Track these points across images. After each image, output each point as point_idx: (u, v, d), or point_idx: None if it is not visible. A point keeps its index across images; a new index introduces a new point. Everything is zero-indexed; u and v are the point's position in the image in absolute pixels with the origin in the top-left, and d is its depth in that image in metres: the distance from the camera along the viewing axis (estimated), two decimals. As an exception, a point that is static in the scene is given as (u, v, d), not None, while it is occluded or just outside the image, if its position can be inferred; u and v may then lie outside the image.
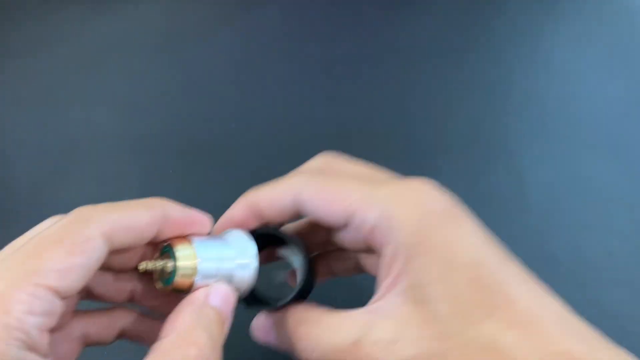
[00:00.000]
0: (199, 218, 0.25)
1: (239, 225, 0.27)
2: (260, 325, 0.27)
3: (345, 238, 0.26)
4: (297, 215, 0.26)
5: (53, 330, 0.22)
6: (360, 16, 0.57)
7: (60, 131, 0.49)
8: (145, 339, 0.27)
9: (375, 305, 0.23)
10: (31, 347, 0.20)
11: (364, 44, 0.54)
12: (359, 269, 0.30)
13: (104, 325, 0.26)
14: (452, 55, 0.53)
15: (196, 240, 0.24)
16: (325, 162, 0.28)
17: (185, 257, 0.24)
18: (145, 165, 0.47)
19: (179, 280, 0.23)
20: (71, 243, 0.21)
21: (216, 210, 0.43)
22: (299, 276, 0.27)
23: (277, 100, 0.51)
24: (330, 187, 0.25)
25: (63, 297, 0.21)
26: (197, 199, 0.47)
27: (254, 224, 0.27)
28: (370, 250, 0.25)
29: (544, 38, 0.54)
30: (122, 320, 0.27)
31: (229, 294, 0.24)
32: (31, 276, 0.20)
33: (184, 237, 0.25)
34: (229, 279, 0.25)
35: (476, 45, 0.54)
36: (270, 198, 0.26)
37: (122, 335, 0.27)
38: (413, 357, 0.21)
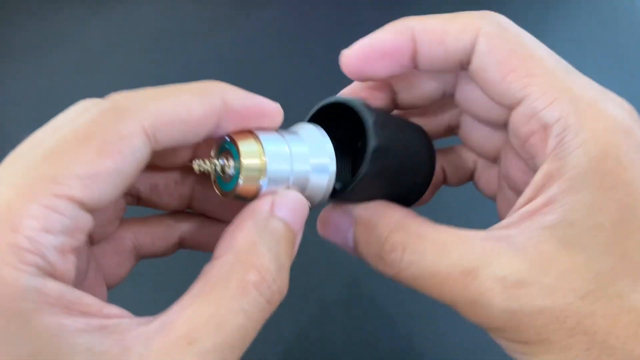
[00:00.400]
0: (268, 107, 0.20)
1: (371, 56, 0.21)
2: (332, 219, 0.22)
3: (484, 131, 0.22)
4: (459, 66, 0.21)
5: (95, 242, 0.19)
6: (360, 16, 0.57)
7: (60, 131, 0.49)
8: (208, 249, 0.22)
9: (504, 232, 0.19)
10: (50, 273, 0.15)
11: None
12: (467, 179, 0.26)
13: (159, 234, 0.23)
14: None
15: (263, 135, 0.19)
16: (502, 21, 0.21)
17: (250, 155, 0.19)
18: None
19: (243, 184, 0.19)
20: (102, 142, 0.16)
21: (216, 210, 0.43)
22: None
23: (277, 100, 0.51)
24: (515, 50, 0.19)
25: (91, 210, 0.16)
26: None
27: (392, 64, 0.21)
28: (498, 156, 0.21)
29: (544, 38, 0.54)
30: (180, 227, 0.23)
31: (300, 203, 0.19)
32: (48, 184, 0.15)
33: (248, 131, 0.20)
34: (302, 185, 0.20)
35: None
36: (443, 30, 0.20)
37: (181, 244, 0.23)
38: (541, 310, 0.17)
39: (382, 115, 0.21)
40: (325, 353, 0.37)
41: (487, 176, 0.25)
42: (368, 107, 0.20)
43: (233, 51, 0.55)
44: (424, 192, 0.24)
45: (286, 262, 0.19)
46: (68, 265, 0.16)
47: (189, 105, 0.18)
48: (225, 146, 0.20)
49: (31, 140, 0.18)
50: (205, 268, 0.18)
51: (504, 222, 0.19)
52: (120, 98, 0.18)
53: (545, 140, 0.19)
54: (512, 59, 0.19)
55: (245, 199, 0.19)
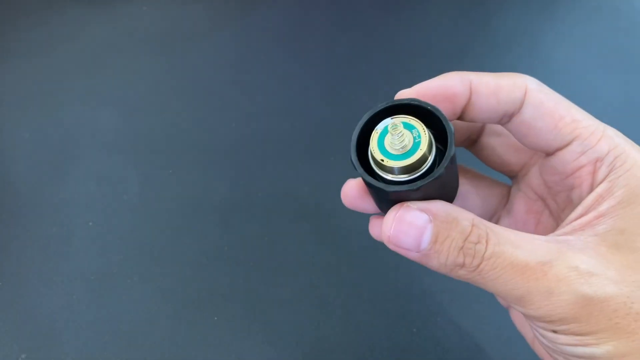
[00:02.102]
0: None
1: (432, 97, 0.24)
2: (408, 217, 0.22)
3: (542, 166, 0.26)
4: (502, 118, 0.25)
5: None
6: (359, 16, 0.57)
7: (60, 131, 0.49)
8: None
9: (563, 238, 0.22)
10: None
11: (364, 44, 0.54)
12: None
13: None
14: (452, 55, 0.53)
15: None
16: (538, 80, 0.25)
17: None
18: (145, 165, 0.47)
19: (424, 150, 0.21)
20: None
21: (216, 210, 0.43)
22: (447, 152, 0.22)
23: (277, 100, 0.51)
24: (559, 102, 0.24)
25: None
26: (197, 198, 0.47)
27: (445, 105, 0.24)
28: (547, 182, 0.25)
29: (544, 38, 0.54)
30: None
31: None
32: None
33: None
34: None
35: (476, 45, 0.54)
36: (496, 84, 0.24)
37: None
38: (611, 296, 0.20)
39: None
40: (325, 353, 0.37)
41: (523, 191, 0.29)
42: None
43: (233, 51, 0.55)
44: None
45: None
46: None
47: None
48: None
49: None
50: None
51: (559, 232, 0.23)
52: None
53: (593, 172, 0.23)
54: (558, 109, 0.23)
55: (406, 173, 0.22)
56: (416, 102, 0.23)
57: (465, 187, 0.30)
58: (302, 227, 0.42)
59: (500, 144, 0.28)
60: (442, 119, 0.22)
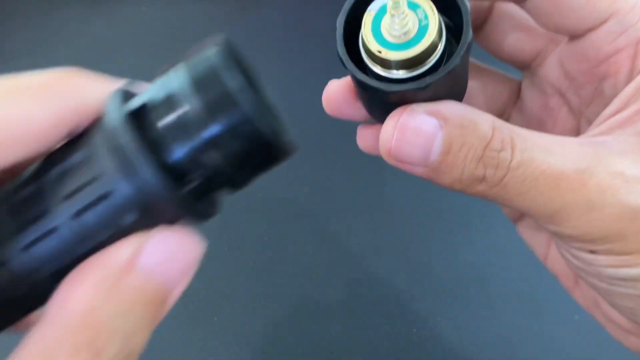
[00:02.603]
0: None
1: None
2: (414, 122, 0.17)
3: (565, 52, 0.21)
4: None
5: None
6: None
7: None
8: None
9: (600, 139, 0.18)
10: None
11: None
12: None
13: None
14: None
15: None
16: None
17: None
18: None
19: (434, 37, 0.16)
20: None
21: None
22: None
23: (277, 100, 0.51)
24: None
25: None
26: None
27: None
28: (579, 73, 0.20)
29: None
30: None
31: (184, 246, 0.15)
32: None
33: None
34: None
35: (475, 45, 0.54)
36: None
37: None
38: None
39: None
40: (325, 353, 0.37)
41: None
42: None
43: (233, 51, 0.55)
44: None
45: (140, 339, 0.13)
46: None
47: (30, 115, 0.14)
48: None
49: None
50: (29, 335, 0.13)
51: (592, 132, 0.18)
52: None
53: (634, 56, 0.19)
54: None
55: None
56: None
57: (468, 82, 0.25)
58: (302, 227, 0.42)
59: (512, 27, 0.23)
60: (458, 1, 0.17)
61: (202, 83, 0.15)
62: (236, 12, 0.58)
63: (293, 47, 0.55)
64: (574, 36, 0.20)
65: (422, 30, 0.17)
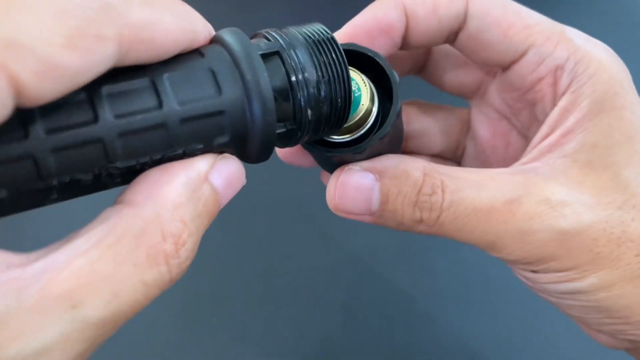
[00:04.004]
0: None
1: (365, 35, 0.21)
2: (352, 179, 0.20)
3: (500, 83, 0.23)
4: (448, 37, 0.22)
5: None
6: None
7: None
8: None
9: (529, 166, 0.20)
10: None
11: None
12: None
13: None
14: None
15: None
16: None
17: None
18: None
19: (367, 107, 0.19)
20: (78, 32, 0.12)
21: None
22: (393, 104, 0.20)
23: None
24: (506, 7, 0.21)
25: (25, 100, 0.12)
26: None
27: (383, 40, 0.21)
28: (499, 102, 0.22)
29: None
30: None
31: (239, 176, 0.17)
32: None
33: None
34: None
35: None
36: (433, 1, 0.20)
37: None
38: (589, 224, 0.18)
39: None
40: (326, 354, 0.37)
41: (480, 119, 0.26)
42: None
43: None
44: None
45: (199, 239, 0.16)
46: None
47: (165, 24, 0.15)
48: None
49: None
50: (111, 211, 0.15)
51: (523, 160, 0.20)
52: None
53: (554, 83, 0.20)
54: (507, 16, 0.21)
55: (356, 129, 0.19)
56: (353, 48, 0.20)
57: (421, 122, 0.26)
58: (302, 227, 0.42)
59: (450, 65, 0.25)
60: (384, 67, 0.19)
61: (322, 57, 0.17)
62: (236, 12, 0.58)
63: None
64: (503, 68, 0.22)
65: (357, 100, 0.19)
